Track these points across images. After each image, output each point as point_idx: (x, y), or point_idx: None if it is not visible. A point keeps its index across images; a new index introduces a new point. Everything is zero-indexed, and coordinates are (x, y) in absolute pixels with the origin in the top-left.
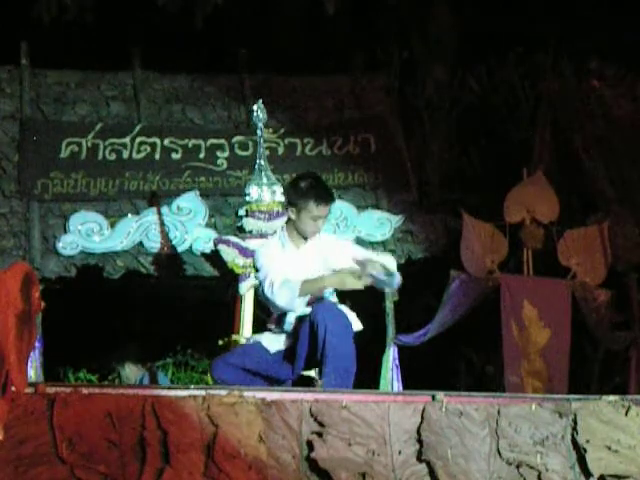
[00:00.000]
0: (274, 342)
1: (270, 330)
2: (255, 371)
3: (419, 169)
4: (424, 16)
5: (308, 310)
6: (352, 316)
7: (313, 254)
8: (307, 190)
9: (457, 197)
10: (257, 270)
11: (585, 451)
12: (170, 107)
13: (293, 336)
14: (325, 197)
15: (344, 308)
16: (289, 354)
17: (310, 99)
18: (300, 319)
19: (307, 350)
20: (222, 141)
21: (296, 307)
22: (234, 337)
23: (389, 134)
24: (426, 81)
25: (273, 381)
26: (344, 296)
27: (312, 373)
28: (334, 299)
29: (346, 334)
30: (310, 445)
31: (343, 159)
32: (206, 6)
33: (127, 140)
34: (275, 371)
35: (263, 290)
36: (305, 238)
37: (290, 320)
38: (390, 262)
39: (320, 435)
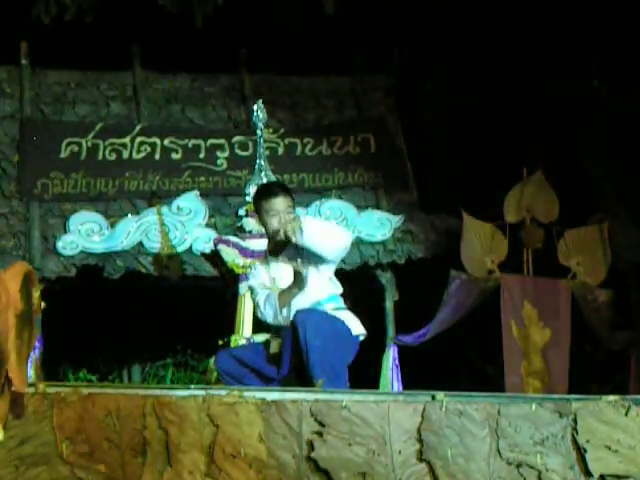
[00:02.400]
0: (272, 343)
1: (269, 332)
2: (252, 367)
3: (419, 169)
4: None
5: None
6: (354, 321)
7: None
8: (256, 192)
9: (457, 197)
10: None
11: (585, 451)
12: (170, 107)
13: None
14: (270, 191)
15: (345, 314)
16: (279, 356)
17: (310, 99)
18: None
19: (291, 354)
20: (222, 141)
21: (283, 320)
22: (234, 337)
23: (389, 134)
24: (426, 81)
25: (266, 379)
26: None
27: None
28: (338, 304)
29: (332, 337)
30: (310, 445)
31: (343, 159)
32: (206, 6)
33: (127, 140)
34: (268, 370)
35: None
36: (285, 243)
37: (286, 323)
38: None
39: (320, 435)
